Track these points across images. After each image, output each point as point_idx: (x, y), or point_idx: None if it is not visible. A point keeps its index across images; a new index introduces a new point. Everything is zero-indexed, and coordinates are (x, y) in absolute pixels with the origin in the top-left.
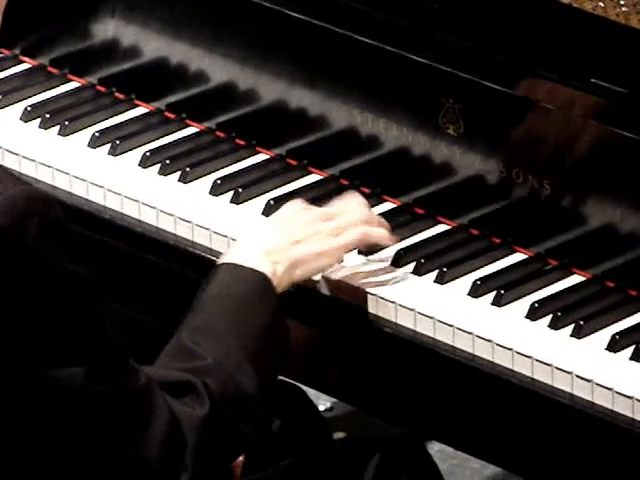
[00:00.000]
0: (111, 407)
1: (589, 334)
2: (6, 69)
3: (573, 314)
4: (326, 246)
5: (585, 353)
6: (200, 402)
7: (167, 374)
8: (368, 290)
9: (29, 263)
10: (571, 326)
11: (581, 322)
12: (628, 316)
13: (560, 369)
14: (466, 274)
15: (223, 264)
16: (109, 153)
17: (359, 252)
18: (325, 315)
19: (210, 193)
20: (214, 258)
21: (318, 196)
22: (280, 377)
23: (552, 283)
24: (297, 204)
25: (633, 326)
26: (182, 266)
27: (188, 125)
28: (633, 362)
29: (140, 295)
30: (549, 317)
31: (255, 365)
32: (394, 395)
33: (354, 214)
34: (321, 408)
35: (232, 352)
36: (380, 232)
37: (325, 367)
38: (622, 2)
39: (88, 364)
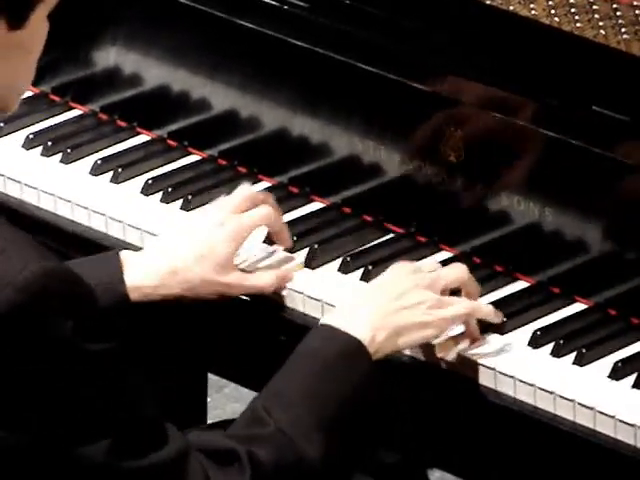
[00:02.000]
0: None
1: (591, 362)
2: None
3: (575, 342)
4: (433, 316)
5: (587, 381)
6: (241, 472)
7: (216, 441)
8: None
9: (47, 342)
10: (573, 354)
11: (583, 350)
12: (630, 344)
13: (562, 397)
14: None
15: (320, 325)
16: (111, 181)
17: None
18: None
19: None
20: None
21: (320, 224)
22: None
23: (554, 311)
24: (404, 267)
25: (635, 354)
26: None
27: (190, 153)
28: (635, 390)
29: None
30: (551, 345)
31: (326, 433)
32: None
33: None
34: None
35: (302, 419)
36: (488, 309)
37: None
38: (623, 30)
39: (112, 440)
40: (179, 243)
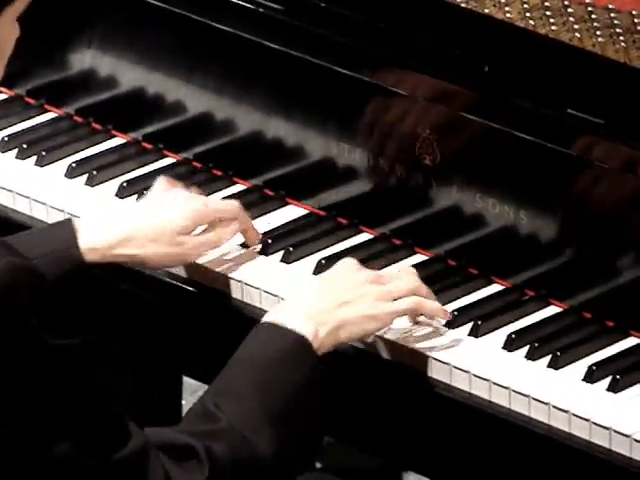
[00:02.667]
0: (101, 476)
1: (566, 365)
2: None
3: (550, 345)
4: (377, 310)
5: (562, 384)
6: (200, 468)
7: (172, 437)
8: None
9: (12, 336)
10: (548, 357)
11: (558, 353)
12: (605, 347)
13: (537, 400)
14: (445, 304)
15: (262, 323)
16: (86, 183)
17: None
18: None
19: None
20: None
21: (296, 227)
22: None
23: (529, 314)
24: (349, 264)
25: (610, 357)
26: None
27: (165, 156)
28: (609, 393)
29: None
30: (526, 348)
31: (277, 428)
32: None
33: (405, 281)
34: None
35: (252, 414)
36: (433, 305)
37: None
38: (598, 33)
39: (75, 436)
40: (140, 212)
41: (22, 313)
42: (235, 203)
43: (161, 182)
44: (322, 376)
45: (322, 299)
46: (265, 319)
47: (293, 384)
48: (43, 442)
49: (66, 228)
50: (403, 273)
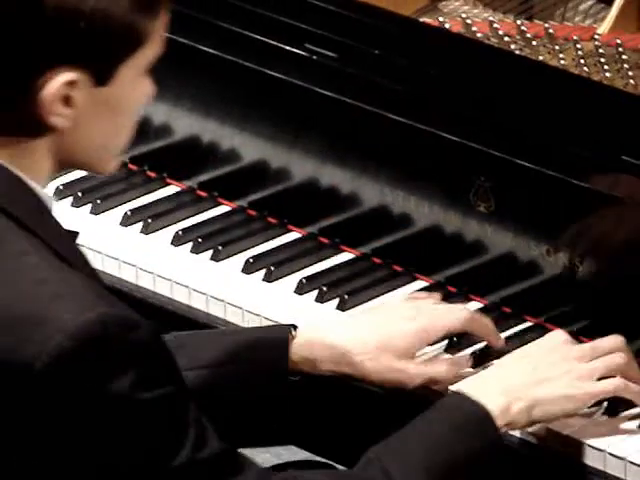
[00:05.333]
0: None
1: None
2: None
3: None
4: (577, 390)
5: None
6: None
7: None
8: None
9: (99, 394)
10: None
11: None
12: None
13: None
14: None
15: (452, 392)
16: (141, 231)
17: None
18: None
19: (243, 271)
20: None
21: (350, 274)
22: None
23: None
24: (558, 336)
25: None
26: None
27: (220, 203)
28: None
29: None
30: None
31: None
32: None
33: (613, 359)
34: None
35: (410, 475)
36: (637, 388)
37: None
38: None
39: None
40: (362, 325)
41: (109, 368)
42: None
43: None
44: (500, 455)
45: (522, 372)
46: (455, 387)
47: (464, 456)
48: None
49: (282, 333)
50: (612, 345)
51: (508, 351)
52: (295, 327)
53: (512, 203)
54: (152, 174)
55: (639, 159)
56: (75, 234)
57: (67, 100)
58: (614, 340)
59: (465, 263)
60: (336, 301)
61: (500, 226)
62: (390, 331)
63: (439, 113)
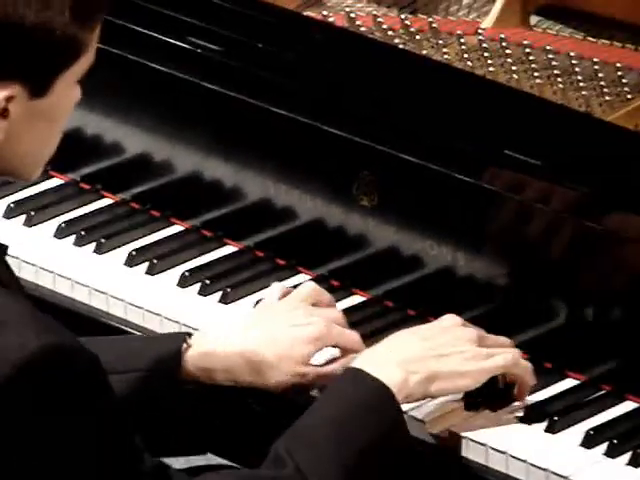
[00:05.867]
0: None
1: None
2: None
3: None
4: (471, 367)
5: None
6: None
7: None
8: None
9: (43, 421)
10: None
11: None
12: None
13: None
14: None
15: (348, 368)
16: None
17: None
18: None
19: (125, 264)
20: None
21: (233, 268)
22: None
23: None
24: (455, 319)
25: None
26: None
27: (102, 196)
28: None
29: None
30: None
31: (347, 476)
32: None
33: (507, 351)
34: None
35: (323, 461)
36: (527, 365)
37: None
38: (536, 74)
39: None
40: (258, 335)
41: (53, 397)
42: (356, 336)
43: (275, 290)
44: (403, 430)
45: (416, 347)
46: (353, 363)
47: (370, 433)
48: None
49: (176, 342)
50: (504, 341)
51: None
52: (190, 335)
53: (395, 197)
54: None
55: (522, 153)
56: (5, 247)
57: (3, 113)
58: (505, 338)
59: (348, 257)
60: (219, 294)
61: (383, 220)
62: (287, 339)
63: (322, 107)
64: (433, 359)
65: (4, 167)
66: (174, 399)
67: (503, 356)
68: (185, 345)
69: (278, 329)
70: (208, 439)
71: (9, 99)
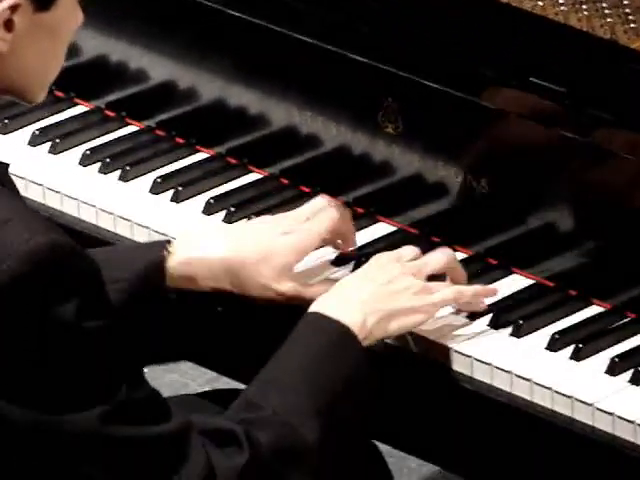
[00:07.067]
0: (138, 451)
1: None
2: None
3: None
4: (422, 301)
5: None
6: (240, 452)
7: (214, 422)
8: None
9: (45, 317)
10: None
11: (520, 321)
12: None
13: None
14: None
15: (308, 313)
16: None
17: None
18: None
19: (150, 191)
20: None
21: (257, 195)
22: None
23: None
24: (387, 256)
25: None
26: None
27: (128, 124)
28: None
29: None
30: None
31: (322, 418)
32: None
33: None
34: None
35: (298, 404)
36: (474, 291)
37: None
38: (561, 1)
39: (109, 408)
40: (242, 240)
41: (57, 294)
42: (329, 216)
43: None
44: (367, 368)
45: (370, 288)
46: (312, 308)
47: (338, 375)
48: (71, 413)
49: (157, 249)
50: (439, 259)
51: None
52: (170, 243)
53: (420, 125)
54: (60, 94)
55: (547, 80)
56: (6, 165)
57: (8, 24)
58: (444, 252)
59: (372, 184)
60: (244, 222)
61: (407, 147)
62: (269, 246)
63: (346, 34)
64: (386, 297)
65: (9, 84)
66: (160, 307)
67: (450, 289)
68: (166, 252)
69: (261, 236)
70: (183, 346)
71: (14, 9)
